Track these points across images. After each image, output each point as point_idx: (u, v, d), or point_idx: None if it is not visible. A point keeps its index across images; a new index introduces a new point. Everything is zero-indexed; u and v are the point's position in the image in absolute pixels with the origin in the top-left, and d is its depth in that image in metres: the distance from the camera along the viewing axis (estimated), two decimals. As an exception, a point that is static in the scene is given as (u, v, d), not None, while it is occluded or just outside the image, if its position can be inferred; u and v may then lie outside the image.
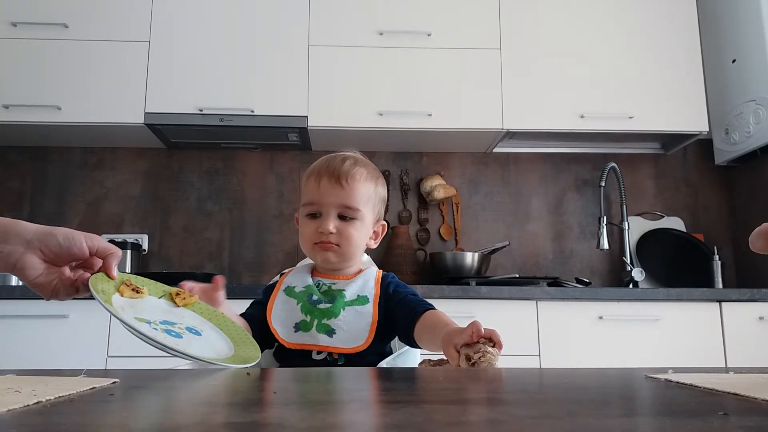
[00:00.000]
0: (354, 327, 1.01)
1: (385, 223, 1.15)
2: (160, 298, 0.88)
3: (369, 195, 1.07)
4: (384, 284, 1.09)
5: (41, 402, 0.46)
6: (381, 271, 1.12)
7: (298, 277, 1.10)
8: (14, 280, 2.35)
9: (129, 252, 2.41)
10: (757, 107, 2.36)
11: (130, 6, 2.45)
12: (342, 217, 1.05)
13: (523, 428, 0.39)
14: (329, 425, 0.39)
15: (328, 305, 1.03)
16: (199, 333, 0.83)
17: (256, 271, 2.63)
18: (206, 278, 2.52)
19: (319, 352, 1.01)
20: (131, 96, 2.38)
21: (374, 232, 1.12)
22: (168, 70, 2.41)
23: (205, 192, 2.70)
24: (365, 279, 1.08)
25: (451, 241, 2.71)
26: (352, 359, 1.01)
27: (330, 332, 1.01)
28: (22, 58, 2.38)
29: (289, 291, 1.08)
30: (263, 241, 2.66)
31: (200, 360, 0.75)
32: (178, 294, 0.89)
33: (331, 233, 1.03)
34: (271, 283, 1.15)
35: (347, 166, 1.06)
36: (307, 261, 1.24)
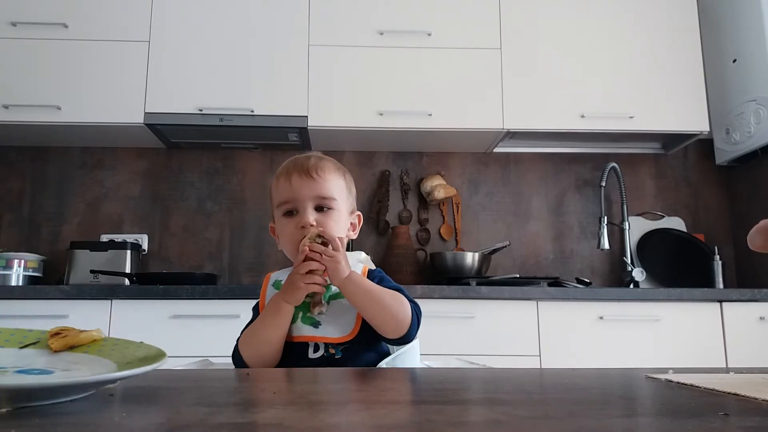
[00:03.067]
0: (340, 318, 1.01)
1: (359, 213, 1.16)
2: (22, 348, 0.62)
3: (340, 186, 1.09)
4: (370, 278, 1.08)
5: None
6: (367, 267, 1.12)
7: (283, 273, 1.10)
8: (14, 280, 2.35)
9: (129, 252, 2.41)
10: (758, 107, 2.36)
11: (130, 6, 2.44)
12: (319, 209, 1.05)
13: (523, 428, 0.39)
14: (329, 425, 0.39)
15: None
16: (50, 371, 0.55)
17: (256, 271, 2.63)
18: (206, 278, 2.51)
19: (315, 351, 1.01)
20: (131, 96, 2.38)
21: (351, 223, 1.13)
22: (167, 70, 2.41)
23: (205, 192, 2.69)
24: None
25: (452, 241, 2.71)
26: (348, 354, 1.00)
27: (315, 324, 1.01)
28: (22, 58, 2.38)
29: (277, 285, 1.08)
30: (263, 241, 2.66)
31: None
32: (56, 334, 0.62)
33: (312, 225, 1.03)
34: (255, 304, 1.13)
35: (314, 161, 1.08)
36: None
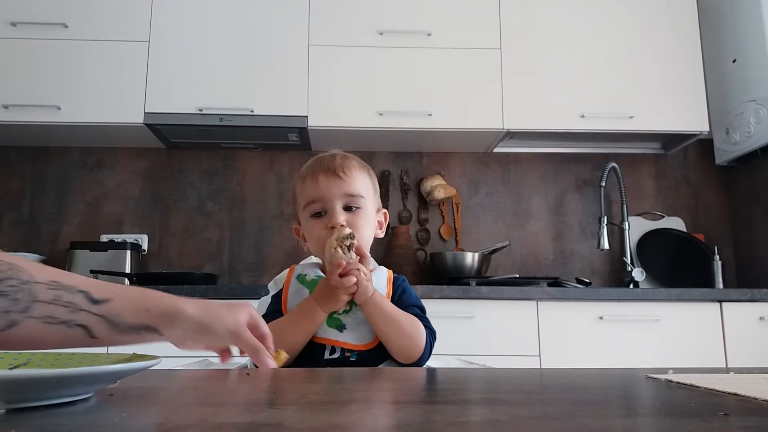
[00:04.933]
0: (364, 324, 1.00)
1: (385, 210, 1.15)
2: (12, 368, 0.61)
3: (367, 183, 1.08)
4: (395, 287, 1.08)
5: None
6: (391, 271, 1.11)
7: (308, 268, 1.09)
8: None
9: (129, 252, 2.41)
10: (758, 107, 2.36)
11: (130, 6, 2.44)
12: (347, 209, 1.04)
13: (523, 428, 0.39)
14: (329, 425, 0.39)
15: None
16: None
17: (256, 271, 2.63)
18: (206, 278, 2.50)
19: (332, 352, 1.00)
20: (131, 96, 2.38)
21: (378, 221, 1.12)
22: (168, 70, 2.40)
23: (205, 192, 2.69)
24: (377, 277, 1.07)
25: (452, 241, 2.71)
26: (364, 360, 1.00)
27: (340, 327, 1.00)
28: (22, 58, 2.38)
29: (301, 279, 1.07)
30: (263, 241, 2.66)
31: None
32: None
33: (342, 225, 1.02)
34: (275, 292, 1.12)
35: (339, 159, 1.07)
36: (312, 260, 1.23)
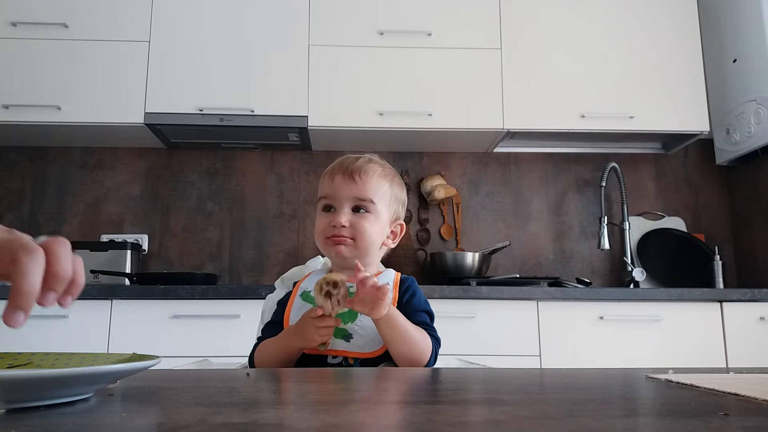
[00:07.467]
0: (371, 331, 0.99)
1: (403, 223, 1.14)
2: (11, 368, 0.61)
3: (383, 191, 1.08)
4: (402, 289, 1.07)
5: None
6: (399, 274, 1.10)
7: (313, 281, 1.08)
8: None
9: (129, 252, 2.41)
10: (758, 107, 2.36)
11: (130, 6, 2.44)
12: (356, 210, 1.05)
13: (523, 428, 0.39)
14: (329, 425, 0.39)
15: (345, 309, 0.99)
16: None
17: (256, 271, 2.63)
18: (206, 278, 2.50)
19: (334, 357, 1.00)
20: (131, 96, 2.38)
21: (392, 231, 1.12)
22: (168, 70, 2.40)
23: (205, 192, 2.69)
24: (383, 281, 1.04)
25: (452, 241, 2.71)
26: (367, 363, 1.00)
27: (347, 337, 1.00)
28: (22, 58, 2.38)
29: (306, 296, 1.07)
30: (263, 241, 2.66)
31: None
32: None
33: (344, 226, 1.03)
34: (281, 298, 1.12)
35: (360, 163, 1.08)
36: (321, 264, 1.23)
